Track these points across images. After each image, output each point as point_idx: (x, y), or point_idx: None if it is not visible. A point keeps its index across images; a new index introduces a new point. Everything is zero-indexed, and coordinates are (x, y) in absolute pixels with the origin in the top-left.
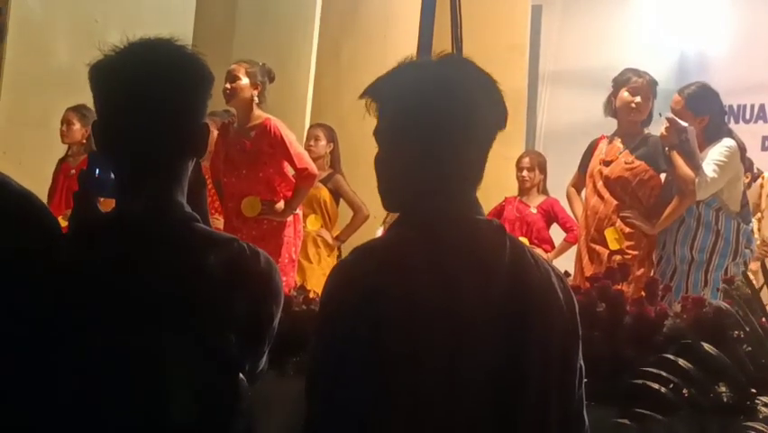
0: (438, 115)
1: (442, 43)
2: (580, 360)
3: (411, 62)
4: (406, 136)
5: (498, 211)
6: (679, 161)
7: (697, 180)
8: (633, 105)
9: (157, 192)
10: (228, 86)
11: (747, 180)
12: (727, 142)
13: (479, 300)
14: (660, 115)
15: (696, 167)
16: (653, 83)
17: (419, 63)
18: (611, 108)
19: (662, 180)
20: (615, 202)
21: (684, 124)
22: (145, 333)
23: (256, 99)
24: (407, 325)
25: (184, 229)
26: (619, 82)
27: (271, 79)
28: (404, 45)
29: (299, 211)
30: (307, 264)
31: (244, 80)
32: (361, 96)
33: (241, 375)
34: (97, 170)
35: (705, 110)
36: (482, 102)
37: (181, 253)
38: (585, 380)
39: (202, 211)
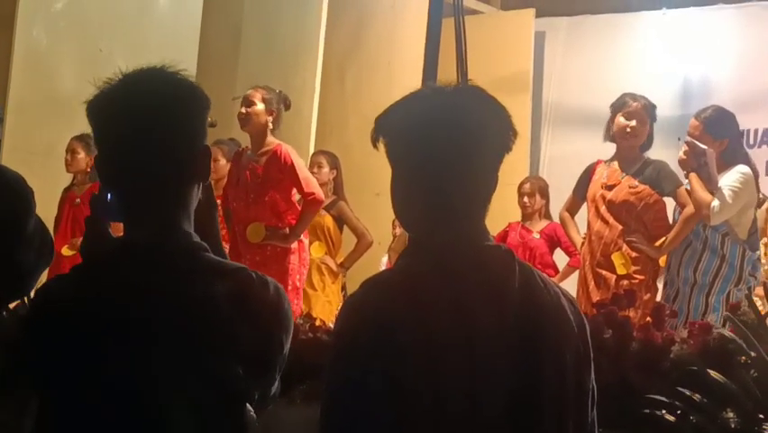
0: (448, 146)
1: (447, 70)
2: (593, 382)
3: (420, 91)
4: (409, 165)
5: (502, 237)
6: (696, 185)
7: (713, 205)
8: (628, 129)
9: (162, 221)
10: (244, 110)
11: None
12: (742, 169)
13: (492, 327)
14: (678, 139)
15: (712, 190)
16: (649, 107)
17: (429, 93)
18: (609, 133)
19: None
20: (620, 227)
21: (703, 147)
22: (151, 364)
23: (270, 126)
24: (423, 356)
25: (190, 259)
26: (616, 107)
27: (287, 107)
28: (408, 72)
29: (305, 240)
30: (312, 292)
31: (260, 106)
32: (374, 129)
33: (248, 405)
34: (109, 195)
35: (724, 133)
36: (492, 131)
37: (188, 284)
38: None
39: (213, 234)
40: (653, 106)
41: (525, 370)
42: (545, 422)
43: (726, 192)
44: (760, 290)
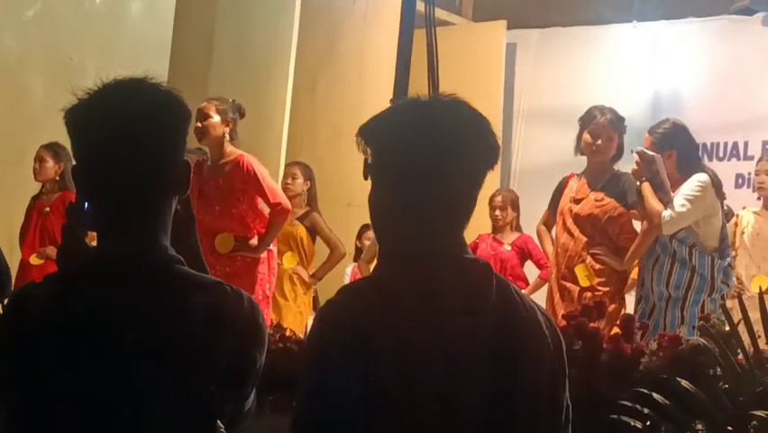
0: (430, 158)
1: (418, 82)
2: (567, 398)
3: (405, 102)
4: (395, 177)
5: (472, 249)
6: (647, 194)
7: (663, 214)
8: (594, 147)
9: (139, 234)
10: (199, 124)
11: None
12: (700, 177)
13: (468, 339)
14: (632, 151)
15: (666, 199)
16: (616, 120)
17: (413, 104)
18: (579, 147)
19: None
20: (584, 239)
21: (652, 154)
22: (122, 378)
23: (227, 136)
24: (397, 365)
25: (166, 272)
26: (584, 121)
27: (242, 115)
28: (379, 82)
29: (274, 248)
30: (283, 302)
31: (215, 118)
32: (357, 135)
33: (219, 422)
34: (86, 204)
35: (672, 145)
36: (474, 144)
37: (162, 298)
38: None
39: (192, 246)
40: (621, 119)
41: (500, 383)
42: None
43: (680, 201)
44: (730, 302)
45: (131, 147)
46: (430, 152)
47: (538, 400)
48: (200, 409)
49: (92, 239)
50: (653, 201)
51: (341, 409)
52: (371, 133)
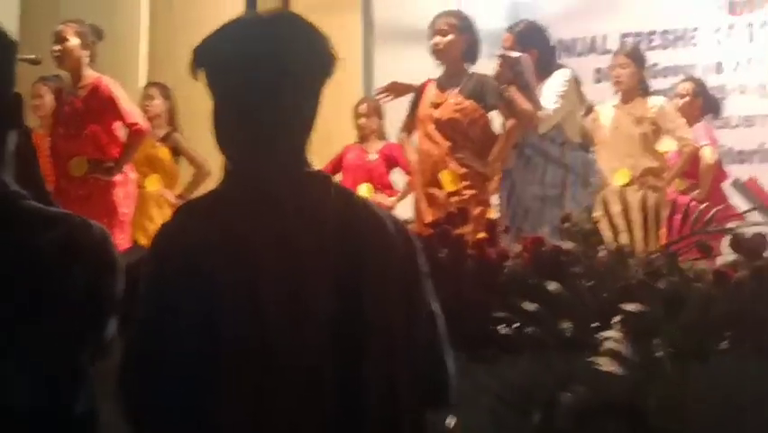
0: (263, 74)
1: None
2: (430, 304)
3: (237, 20)
4: (226, 95)
5: (339, 160)
6: (517, 97)
7: (539, 114)
8: (432, 46)
9: None
10: (57, 48)
11: (582, 113)
12: (564, 72)
13: (308, 252)
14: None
15: (533, 98)
16: (459, 20)
17: (245, 21)
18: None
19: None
20: (447, 144)
21: (516, 54)
22: None
23: (86, 60)
24: (234, 282)
25: (11, 209)
26: (430, 26)
27: (100, 37)
28: None
29: (132, 174)
30: (152, 226)
31: (74, 41)
32: (192, 59)
33: (81, 356)
34: None
35: (534, 44)
36: (309, 58)
37: (9, 235)
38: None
39: (36, 182)
40: (465, 18)
41: (346, 293)
42: (372, 344)
43: (552, 97)
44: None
45: None
46: (259, 68)
47: (388, 308)
48: (63, 345)
49: None
50: (523, 103)
51: (174, 336)
52: (202, 53)
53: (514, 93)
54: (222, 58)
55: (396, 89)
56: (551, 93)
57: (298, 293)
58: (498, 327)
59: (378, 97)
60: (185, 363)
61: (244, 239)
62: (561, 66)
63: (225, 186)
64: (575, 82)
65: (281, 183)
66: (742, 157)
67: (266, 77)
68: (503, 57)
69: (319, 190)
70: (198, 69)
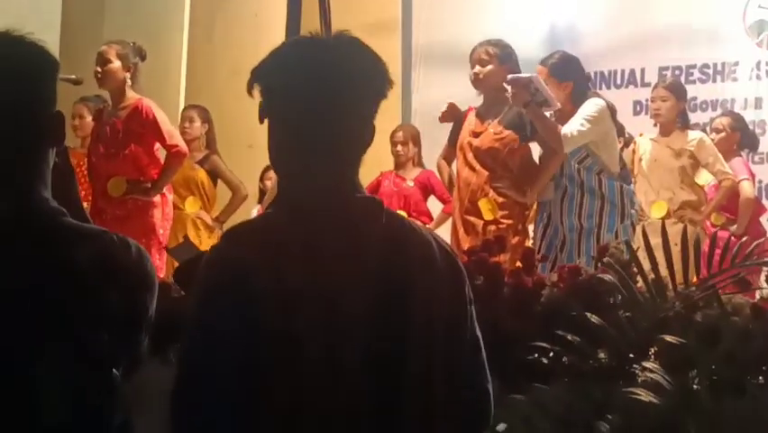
0: (320, 96)
1: (311, 20)
2: (474, 330)
3: (297, 40)
4: (281, 116)
5: (375, 186)
6: (538, 116)
7: (564, 132)
8: (472, 76)
9: (18, 189)
10: (100, 69)
11: (621, 146)
12: (595, 100)
13: (352, 276)
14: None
15: (555, 108)
16: (500, 50)
17: (305, 42)
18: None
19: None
20: (486, 173)
21: (526, 75)
22: (11, 334)
23: (128, 81)
24: (279, 306)
25: (50, 225)
26: (470, 55)
27: (143, 58)
28: (275, 22)
29: (169, 195)
30: None
31: (116, 63)
32: (250, 77)
33: (114, 370)
34: None
35: (569, 76)
36: (367, 81)
37: (48, 251)
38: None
39: (72, 200)
40: (505, 48)
41: (389, 319)
42: (413, 369)
43: (579, 120)
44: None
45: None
46: (320, 90)
47: (431, 335)
48: (94, 359)
49: None
50: (547, 122)
51: (223, 349)
52: (260, 75)
53: (535, 114)
54: (278, 79)
55: (453, 114)
56: (579, 117)
57: (342, 318)
58: (535, 356)
59: (441, 122)
60: (230, 386)
61: (291, 265)
62: (596, 95)
63: (275, 209)
64: (608, 110)
65: (331, 208)
66: None
67: (321, 99)
68: (511, 81)
69: (370, 216)
70: (254, 86)
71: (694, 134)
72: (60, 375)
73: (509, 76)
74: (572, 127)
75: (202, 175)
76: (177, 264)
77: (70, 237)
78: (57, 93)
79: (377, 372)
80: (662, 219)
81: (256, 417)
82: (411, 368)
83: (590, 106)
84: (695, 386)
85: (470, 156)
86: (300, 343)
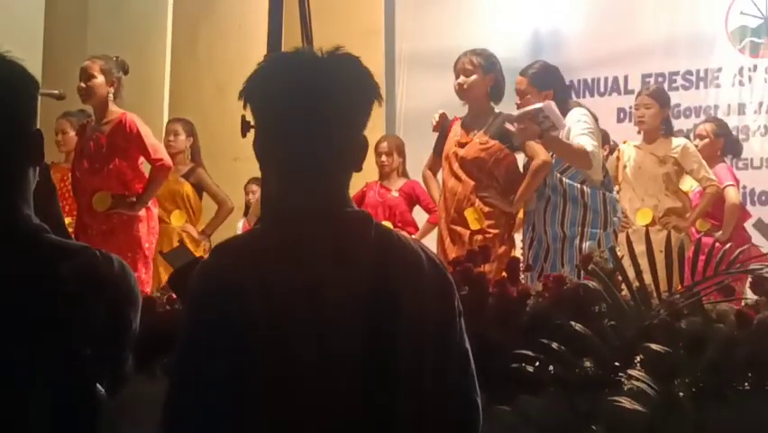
0: (309, 111)
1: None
2: (463, 343)
3: (282, 55)
4: (270, 130)
5: (360, 197)
6: (558, 143)
7: (589, 151)
8: (456, 86)
9: (1, 207)
10: (83, 84)
11: (606, 153)
12: (580, 111)
13: (341, 290)
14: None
15: (561, 128)
16: (483, 60)
17: (293, 57)
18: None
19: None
20: (472, 183)
21: (533, 106)
22: None
23: (111, 96)
24: (268, 320)
25: (33, 241)
26: (454, 67)
27: (126, 72)
28: (260, 33)
29: (154, 209)
30: None
31: (99, 78)
32: (240, 92)
33: (98, 386)
34: None
35: (549, 85)
36: (357, 98)
37: (31, 267)
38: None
39: (54, 217)
40: (489, 57)
41: (379, 334)
42: (400, 382)
43: (586, 137)
44: (621, 236)
45: None
46: (304, 109)
47: (420, 348)
48: (78, 375)
49: None
50: (568, 145)
51: (215, 361)
52: (249, 93)
53: (550, 138)
54: (267, 93)
55: (445, 124)
56: (580, 134)
57: (331, 334)
58: (520, 365)
59: (435, 131)
60: (221, 398)
61: (279, 280)
62: (577, 104)
63: (265, 223)
64: (593, 118)
65: (321, 222)
66: (764, 198)
67: (311, 116)
68: (522, 116)
69: (359, 230)
70: (246, 103)
71: (678, 141)
72: (44, 391)
73: (515, 114)
74: (586, 142)
75: (187, 188)
76: (171, 270)
77: (53, 253)
78: (37, 112)
79: (367, 384)
80: (647, 226)
81: (248, 427)
82: (402, 381)
83: (582, 117)
84: (680, 394)
85: (455, 166)
86: (291, 356)
